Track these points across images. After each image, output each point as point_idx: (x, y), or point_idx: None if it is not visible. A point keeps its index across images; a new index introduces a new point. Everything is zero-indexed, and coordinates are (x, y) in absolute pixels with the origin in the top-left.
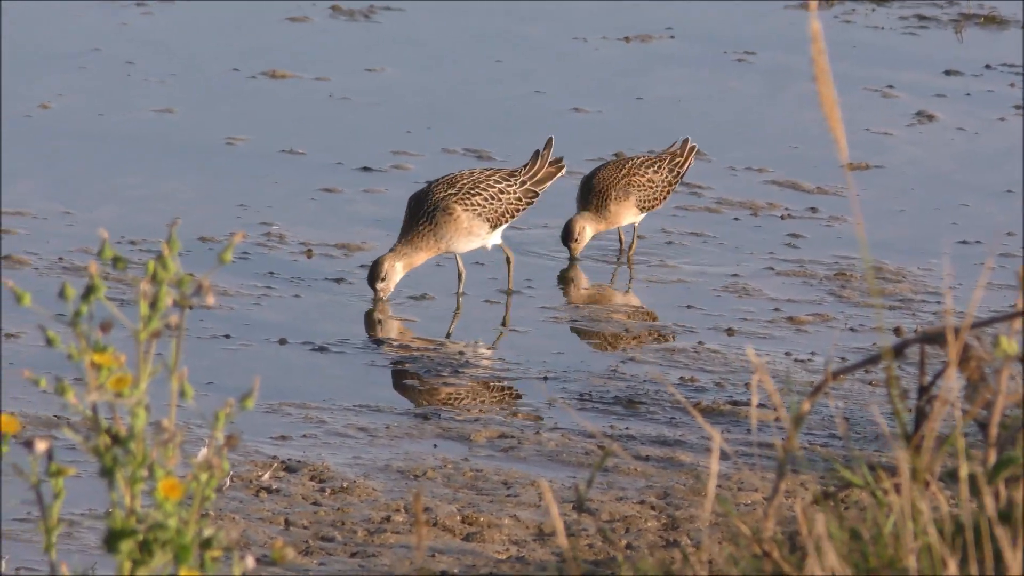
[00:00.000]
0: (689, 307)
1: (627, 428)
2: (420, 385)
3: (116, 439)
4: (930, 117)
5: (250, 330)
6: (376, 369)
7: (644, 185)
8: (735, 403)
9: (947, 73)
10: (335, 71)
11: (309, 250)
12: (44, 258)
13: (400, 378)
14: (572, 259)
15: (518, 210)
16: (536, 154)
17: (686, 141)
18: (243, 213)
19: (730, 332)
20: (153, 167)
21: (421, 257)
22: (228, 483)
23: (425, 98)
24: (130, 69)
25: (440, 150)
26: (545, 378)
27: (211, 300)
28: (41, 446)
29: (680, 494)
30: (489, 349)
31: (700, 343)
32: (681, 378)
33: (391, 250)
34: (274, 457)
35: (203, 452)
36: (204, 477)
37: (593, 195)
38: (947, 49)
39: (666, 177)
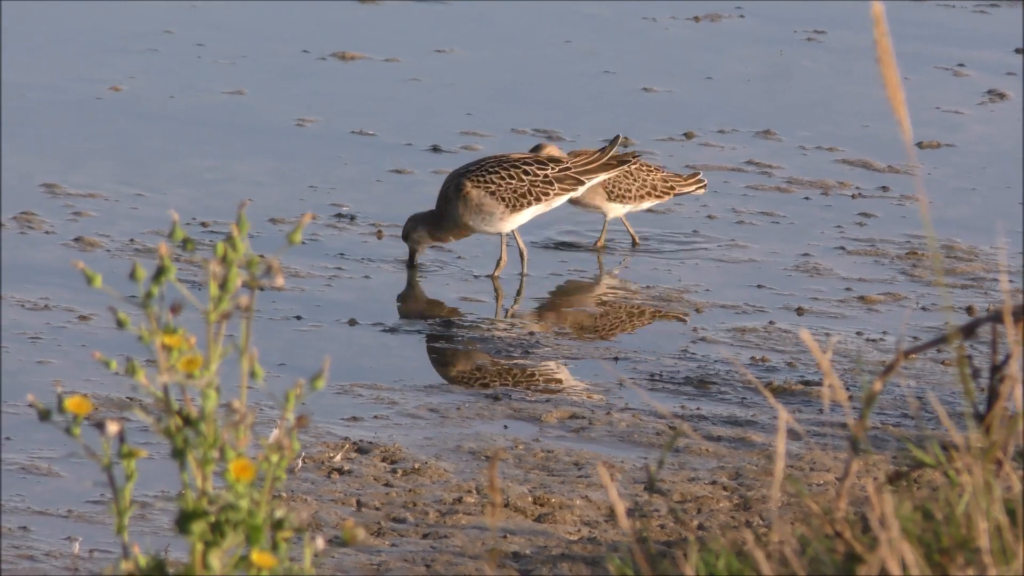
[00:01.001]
0: (760, 287)
1: (698, 408)
2: (491, 366)
3: (187, 420)
4: (1001, 95)
5: (321, 311)
6: (447, 350)
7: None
8: (807, 383)
9: (1018, 51)
10: (405, 52)
11: (379, 231)
12: (116, 240)
13: (471, 359)
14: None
15: (546, 194)
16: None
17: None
18: (313, 194)
19: (800, 311)
20: (224, 149)
21: (445, 236)
22: (300, 464)
23: (494, 78)
24: (201, 51)
25: (510, 130)
26: (616, 358)
27: (280, 281)
28: (113, 428)
29: (752, 474)
30: (559, 329)
31: (771, 323)
32: (752, 358)
33: (425, 215)
34: (346, 438)
35: (274, 433)
36: (275, 458)
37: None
38: (1018, 27)
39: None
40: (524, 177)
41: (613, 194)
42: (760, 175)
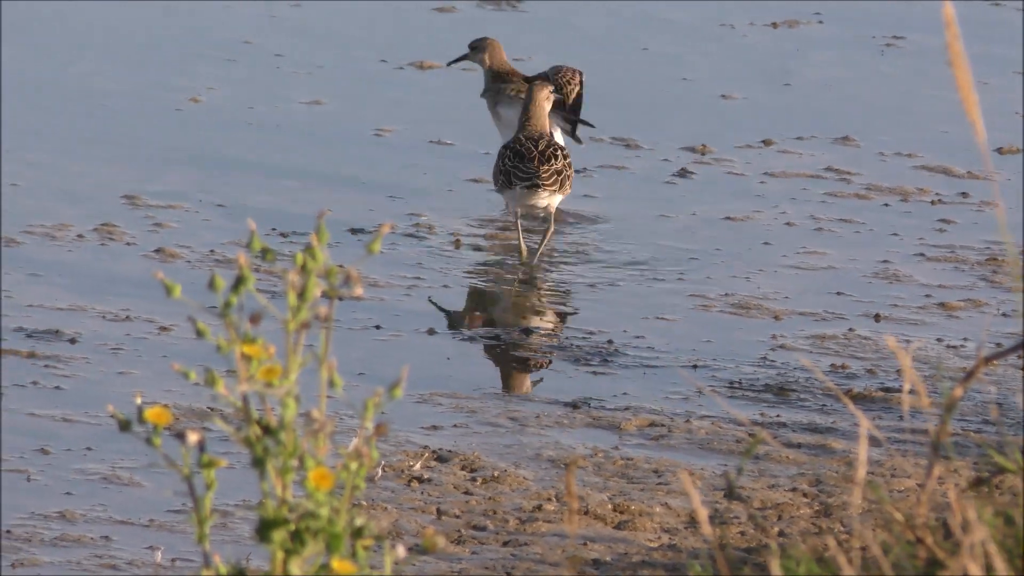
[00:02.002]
0: (839, 294)
1: (778, 416)
2: (570, 374)
3: (267, 430)
4: None
5: (400, 320)
6: (526, 358)
7: None
8: (887, 389)
9: None
10: None
11: (458, 240)
12: (196, 251)
13: (550, 367)
14: None
15: (509, 184)
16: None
17: None
18: (392, 204)
19: (877, 318)
20: (303, 159)
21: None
22: (380, 473)
23: None
24: (279, 61)
25: (588, 138)
26: (694, 366)
27: (359, 291)
28: (193, 437)
29: (832, 481)
30: (638, 338)
31: (851, 330)
32: (832, 365)
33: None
34: (425, 447)
35: (354, 442)
36: (354, 467)
37: None
38: None
39: None
40: (507, 160)
41: None
42: (839, 182)
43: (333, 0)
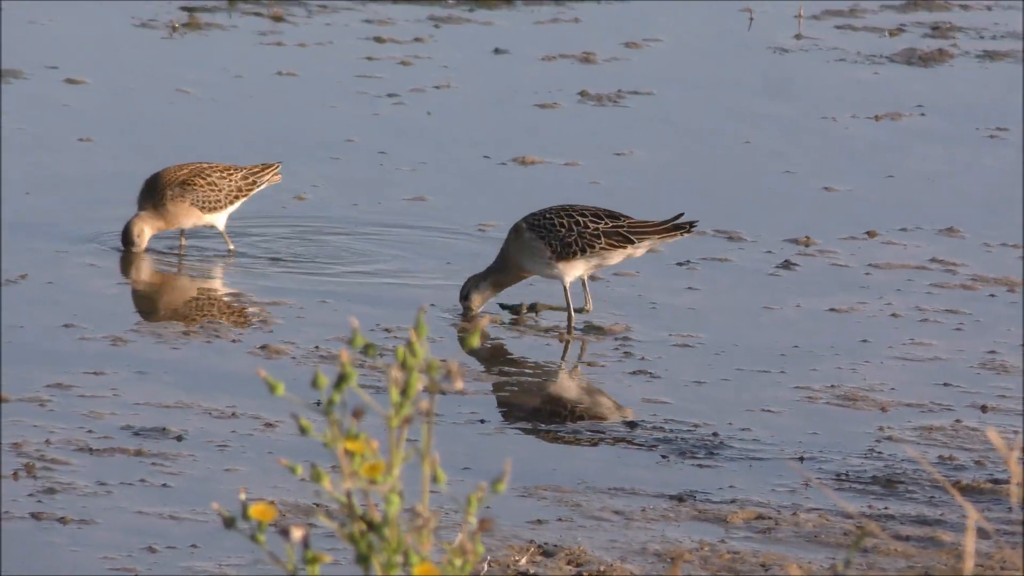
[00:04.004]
0: (946, 385)
1: (885, 508)
2: (675, 466)
3: (371, 525)
4: None
5: (504, 414)
6: (630, 451)
7: (203, 187)
8: (995, 481)
9: None
10: (584, 156)
11: (560, 334)
12: (301, 347)
13: (654, 460)
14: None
15: (591, 246)
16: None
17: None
18: (495, 298)
19: (984, 409)
20: (406, 254)
21: (508, 281)
22: (485, 568)
23: (674, 180)
24: (383, 159)
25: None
26: (801, 459)
27: (460, 385)
28: (297, 534)
29: (941, 574)
30: (743, 430)
31: (958, 421)
32: (939, 456)
33: (484, 272)
34: (531, 541)
35: (458, 537)
36: (459, 562)
37: (152, 193)
38: None
39: (236, 183)
40: (574, 227)
41: (206, 208)
42: (944, 273)
43: (436, 98)
